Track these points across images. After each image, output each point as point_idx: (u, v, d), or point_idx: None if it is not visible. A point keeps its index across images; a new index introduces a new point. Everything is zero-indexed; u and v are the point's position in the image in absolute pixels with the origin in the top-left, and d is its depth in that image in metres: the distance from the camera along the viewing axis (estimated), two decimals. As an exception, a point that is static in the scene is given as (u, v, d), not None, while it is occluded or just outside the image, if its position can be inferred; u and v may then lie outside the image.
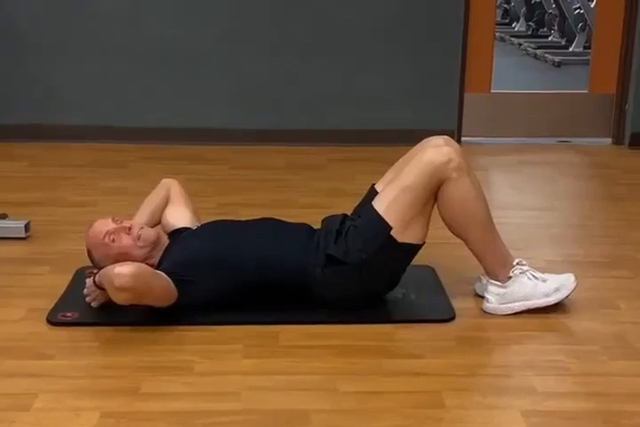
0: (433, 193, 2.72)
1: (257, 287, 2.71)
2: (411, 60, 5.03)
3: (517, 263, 2.81)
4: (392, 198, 2.70)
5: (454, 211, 2.75)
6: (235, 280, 2.69)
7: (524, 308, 2.77)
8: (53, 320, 2.69)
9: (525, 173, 4.65)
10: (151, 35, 4.97)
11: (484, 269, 2.85)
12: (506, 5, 11.18)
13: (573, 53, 8.68)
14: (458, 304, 2.83)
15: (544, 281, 2.80)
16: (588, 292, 2.96)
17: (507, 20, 11.11)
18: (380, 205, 2.71)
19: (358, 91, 5.06)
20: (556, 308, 2.82)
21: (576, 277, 2.82)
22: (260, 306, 2.73)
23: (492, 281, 2.80)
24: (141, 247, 2.78)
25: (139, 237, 2.78)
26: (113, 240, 2.76)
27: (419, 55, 5.02)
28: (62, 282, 2.95)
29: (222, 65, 5.02)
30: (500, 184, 4.60)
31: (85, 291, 2.75)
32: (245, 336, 2.61)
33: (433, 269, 3.11)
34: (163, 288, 2.62)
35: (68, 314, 2.71)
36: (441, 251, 3.33)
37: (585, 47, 8.49)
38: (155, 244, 2.82)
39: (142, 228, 2.83)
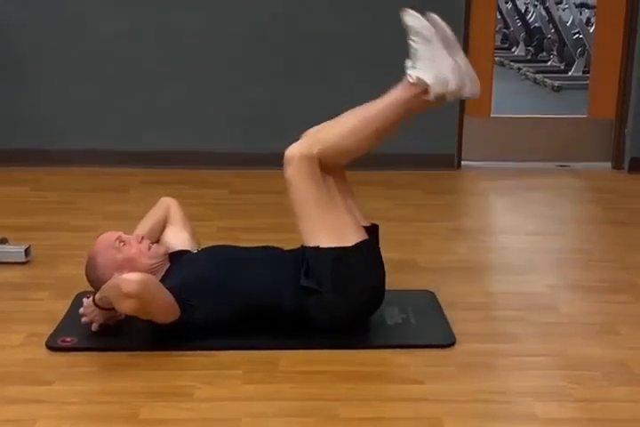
0: (319, 181, 2.73)
1: (256, 314, 2.71)
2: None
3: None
4: (305, 224, 2.71)
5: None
6: (234, 307, 2.69)
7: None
8: (53, 345, 2.68)
9: (525, 198, 4.66)
10: (152, 60, 5.00)
11: None
12: (505, 30, 11.25)
13: (573, 78, 8.72)
14: (458, 329, 2.82)
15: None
16: (589, 317, 2.96)
17: (506, 45, 11.17)
18: (306, 238, 2.71)
19: (358, 115, 5.07)
20: (557, 333, 2.82)
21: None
22: (259, 331, 2.72)
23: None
24: (149, 258, 2.78)
25: (149, 249, 2.80)
26: (123, 244, 2.77)
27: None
28: (62, 307, 2.95)
29: (223, 89, 5.04)
30: (500, 208, 4.61)
31: (82, 310, 2.73)
32: (245, 362, 2.60)
33: (433, 294, 3.11)
34: (167, 301, 2.62)
35: (68, 339, 2.70)
36: (441, 275, 3.34)
37: (584, 72, 8.52)
38: (162, 260, 2.82)
39: (153, 242, 2.85)
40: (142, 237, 2.84)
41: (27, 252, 3.42)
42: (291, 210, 2.79)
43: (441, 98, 2.73)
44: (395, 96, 2.75)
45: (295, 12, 4.98)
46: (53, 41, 4.96)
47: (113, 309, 2.67)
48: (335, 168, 2.82)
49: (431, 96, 2.72)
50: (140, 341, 2.72)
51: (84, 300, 2.74)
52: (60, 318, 2.87)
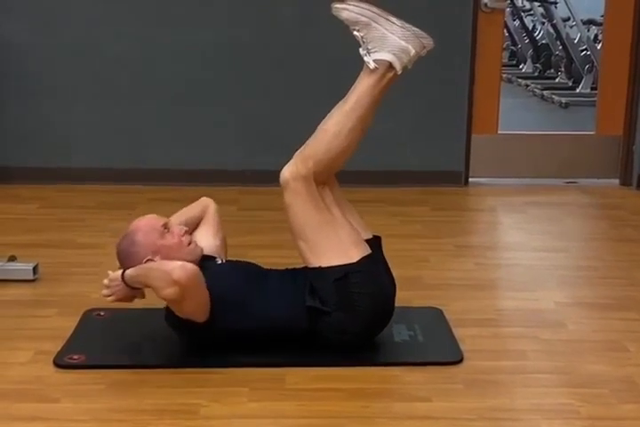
0: (318, 201, 2.71)
1: (270, 334, 2.70)
2: (418, 102, 5.06)
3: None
4: (307, 246, 2.70)
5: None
6: (250, 325, 2.68)
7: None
8: (60, 363, 2.68)
9: (533, 214, 4.66)
10: (158, 79, 5.02)
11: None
12: (513, 47, 11.27)
13: (580, 95, 8.72)
14: (465, 346, 2.82)
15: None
16: (597, 334, 2.96)
17: (514, 62, 11.19)
18: (308, 259, 2.71)
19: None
20: (565, 350, 2.81)
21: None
22: (266, 348, 2.72)
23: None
24: (186, 254, 2.76)
25: (189, 244, 2.78)
26: (168, 231, 2.76)
27: (426, 97, 5.06)
28: (70, 324, 2.95)
29: (230, 106, 5.06)
30: (508, 225, 4.60)
31: (106, 281, 2.68)
32: (252, 379, 2.59)
33: (440, 311, 3.10)
34: (204, 299, 2.62)
35: (75, 356, 2.71)
36: (448, 292, 3.34)
37: (592, 88, 8.53)
38: (195, 260, 2.77)
39: (196, 242, 2.84)
40: (186, 231, 2.81)
41: (35, 269, 3.42)
42: (290, 231, 2.77)
43: (407, 66, 2.74)
44: (364, 85, 2.74)
45: (299, 28, 5.01)
46: (62, 61, 4.99)
47: (139, 289, 2.67)
48: (330, 178, 2.81)
49: (398, 70, 2.72)
50: (146, 358, 2.72)
51: (110, 272, 2.70)
52: (68, 335, 2.87)
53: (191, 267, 2.55)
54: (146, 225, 2.77)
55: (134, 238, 2.74)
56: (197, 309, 2.63)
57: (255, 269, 2.88)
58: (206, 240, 2.96)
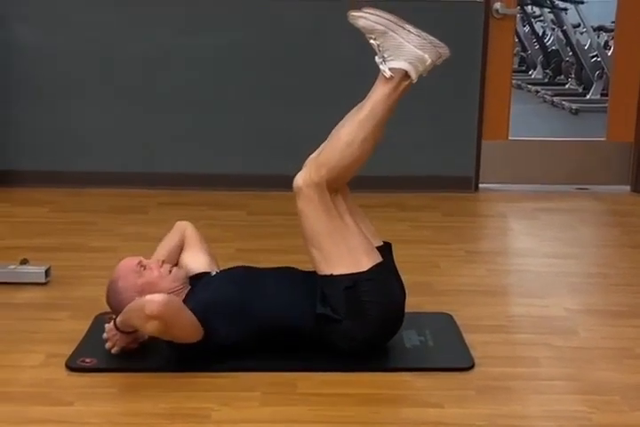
0: (331, 208, 2.72)
1: (274, 337, 2.71)
2: (428, 108, 5.06)
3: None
4: (318, 253, 2.71)
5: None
6: (253, 330, 2.69)
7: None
8: (73, 366, 2.69)
9: (543, 221, 4.65)
10: (169, 83, 5.03)
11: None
12: (523, 53, 11.27)
13: (591, 101, 8.71)
14: (477, 353, 2.81)
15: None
16: (608, 341, 2.95)
17: (524, 68, 11.18)
18: (319, 266, 2.71)
19: (376, 138, 5.09)
20: (576, 357, 2.81)
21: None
22: (277, 353, 2.73)
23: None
24: (170, 282, 2.79)
25: (169, 272, 2.81)
26: (144, 269, 2.79)
27: (436, 103, 5.06)
28: (82, 327, 2.96)
29: (240, 111, 5.07)
30: (518, 231, 4.60)
31: (105, 335, 2.74)
32: (263, 383, 2.60)
33: (451, 317, 3.10)
34: (190, 322, 2.62)
35: (88, 360, 2.71)
36: (459, 298, 3.34)
37: (602, 95, 8.52)
38: (183, 283, 2.83)
39: (174, 266, 2.87)
40: (163, 262, 2.85)
41: (47, 272, 3.44)
42: (302, 237, 2.78)
43: (422, 75, 2.73)
44: (379, 93, 2.74)
45: (311, 33, 5.02)
46: (74, 65, 5.00)
47: (134, 332, 2.69)
48: (342, 186, 2.82)
49: (414, 78, 2.72)
50: (159, 362, 2.72)
51: (106, 325, 2.75)
52: (80, 338, 2.88)
53: (160, 297, 2.55)
54: (122, 271, 2.81)
55: (117, 287, 2.79)
56: (189, 331, 2.64)
57: (251, 272, 2.91)
58: (197, 260, 3.02)
